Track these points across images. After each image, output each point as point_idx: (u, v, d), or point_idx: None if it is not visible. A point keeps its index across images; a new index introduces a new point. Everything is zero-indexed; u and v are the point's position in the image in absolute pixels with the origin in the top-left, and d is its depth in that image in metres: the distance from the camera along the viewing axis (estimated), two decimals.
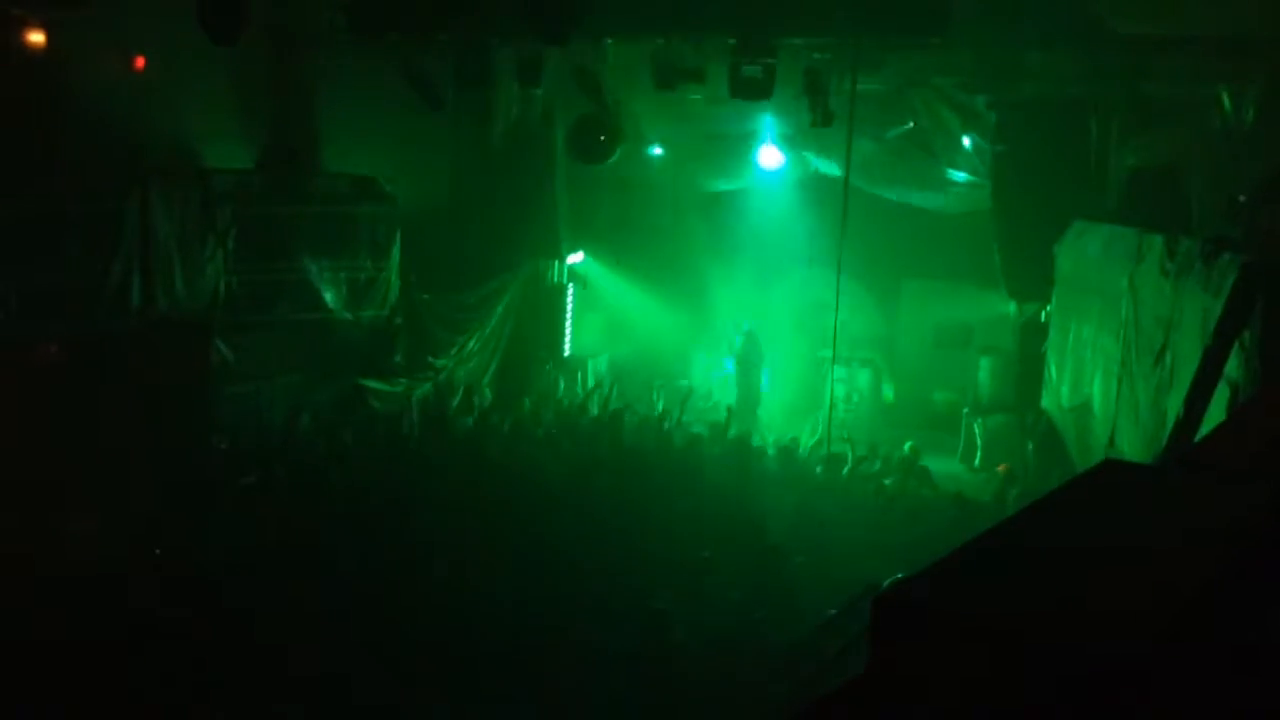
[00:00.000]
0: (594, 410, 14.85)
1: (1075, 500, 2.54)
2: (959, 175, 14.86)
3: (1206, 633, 1.98)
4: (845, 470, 12.97)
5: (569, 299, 17.34)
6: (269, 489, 10.86)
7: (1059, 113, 13.31)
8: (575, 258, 17.44)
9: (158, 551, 8.98)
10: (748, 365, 16.45)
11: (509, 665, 7.81)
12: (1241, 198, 9.72)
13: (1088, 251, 11.78)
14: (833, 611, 8.37)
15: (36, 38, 12.08)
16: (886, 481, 12.66)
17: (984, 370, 15.49)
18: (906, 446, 13.66)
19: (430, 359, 15.08)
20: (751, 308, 17.12)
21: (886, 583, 6.32)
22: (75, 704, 6.87)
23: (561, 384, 16.54)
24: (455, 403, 14.66)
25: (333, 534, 9.63)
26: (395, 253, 14.59)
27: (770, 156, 15.84)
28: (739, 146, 16.26)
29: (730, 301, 17.40)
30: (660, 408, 15.15)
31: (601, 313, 18.08)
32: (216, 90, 13.64)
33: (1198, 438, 6.46)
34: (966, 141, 14.39)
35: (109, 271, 11.74)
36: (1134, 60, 12.02)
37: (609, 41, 13.21)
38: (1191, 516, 2.53)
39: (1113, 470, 2.95)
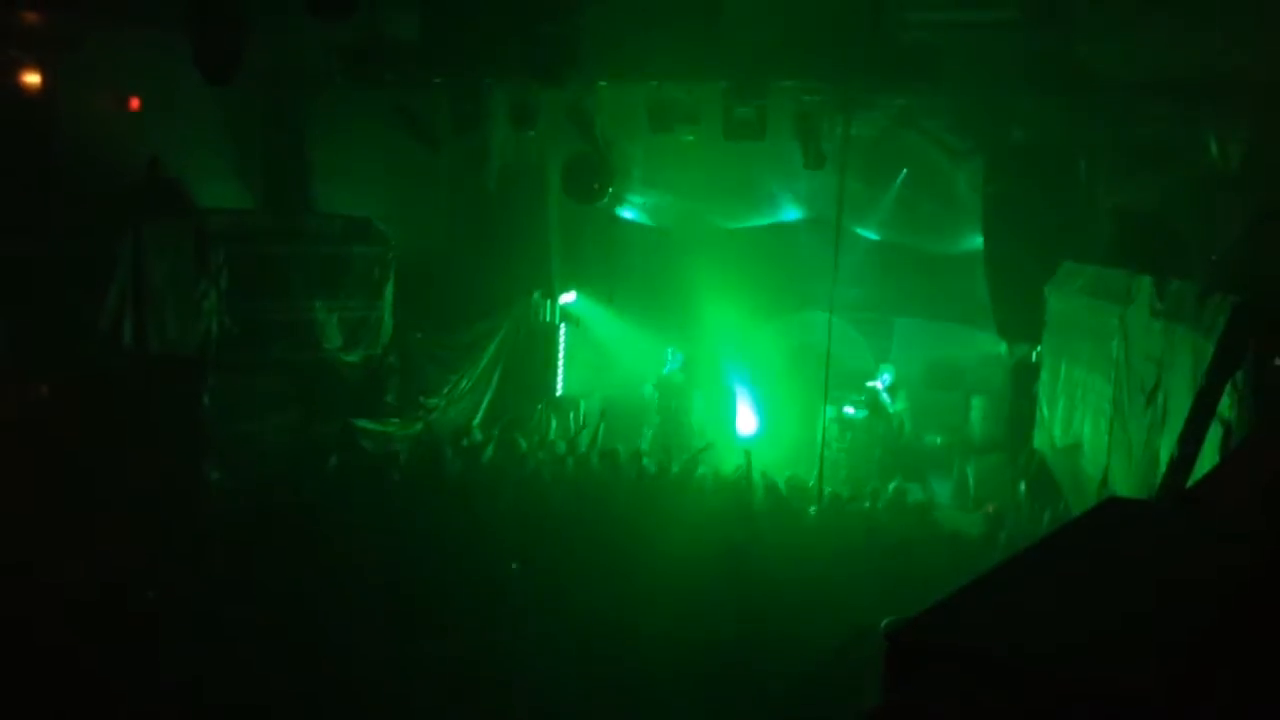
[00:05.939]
0: (582, 448, 14.79)
1: (1082, 538, 2.55)
2: (950, 217, 14.94)
3: (1213, 672, 1.98)
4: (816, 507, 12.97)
5: (561, 338, 17.33)
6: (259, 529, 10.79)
7: (1048, 155, 13.43)
8: (568, 297, 17.47)
9: (150, 594, 8.90)
10: (671, 393, 16.64)
11: None
12: (1214, 257, 9.85)
13: (1078, 292, 11.85)
14: (827, 651, 8.31)
15: (32, 78, 12.14)
16: (882, 520, 12.61)
17: (976, 410, 15.50)
18: (891, 487, 13.65)
19: (422, 398, 15.05)
20: (743, 347, 17.14)
21: (884, 623, 6.30)
22: None
23: (554, 423, 16.49)
24: (448, 443, 14.57)
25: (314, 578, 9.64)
26: (389, 292, 14.61)
27: None
28: (736, 187, 16.31)
29: (722, 341, 17.40)
30: (650, 445, 15.09)
31: (594, 352, 18.05)
32: (211, 130, 13.75)
33: (1193, 477, 6.48)
34: (958, 183, 14.49)
35: (101, 311, 11.74)
36: (1119, 104, 12.17)
37: (603, 84, 13.32)
38: (1196, 556, 2.54)
39: (1116, 508, 2.97)
